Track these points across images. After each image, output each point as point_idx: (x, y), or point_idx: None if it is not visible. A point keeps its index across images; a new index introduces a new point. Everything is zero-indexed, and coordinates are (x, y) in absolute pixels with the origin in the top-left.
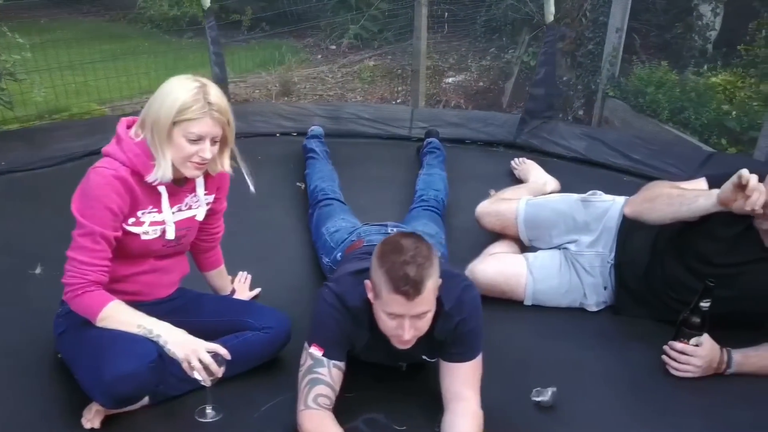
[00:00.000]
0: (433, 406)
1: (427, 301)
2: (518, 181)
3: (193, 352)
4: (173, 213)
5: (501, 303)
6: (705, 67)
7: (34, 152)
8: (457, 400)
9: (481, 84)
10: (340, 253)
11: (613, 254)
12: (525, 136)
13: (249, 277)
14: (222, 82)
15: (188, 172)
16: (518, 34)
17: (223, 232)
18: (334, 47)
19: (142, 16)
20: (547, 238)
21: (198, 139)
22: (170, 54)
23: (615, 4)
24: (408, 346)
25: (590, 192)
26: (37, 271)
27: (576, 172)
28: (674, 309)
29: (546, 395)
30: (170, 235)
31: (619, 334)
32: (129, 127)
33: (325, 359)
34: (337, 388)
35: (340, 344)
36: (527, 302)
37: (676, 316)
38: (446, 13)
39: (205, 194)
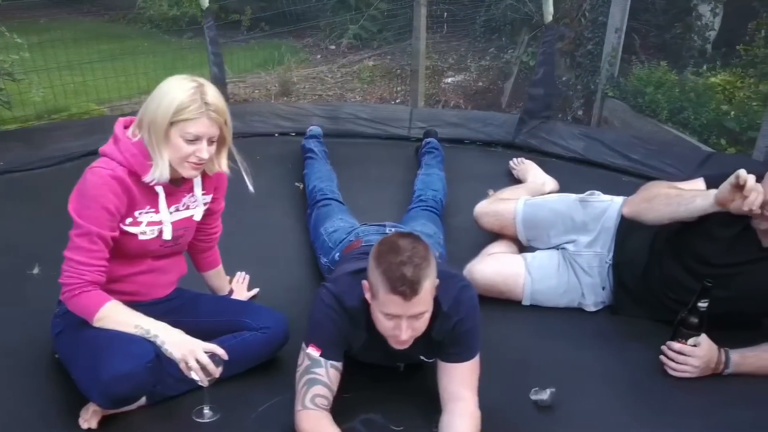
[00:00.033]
0: (431, 406)
1: (424, 302)
2: (517, 181)
3: (191, 352)
4: (171, 213)
5: (499, 303)
6: (704, 67)
7: (33, 152)
8: (455, 401)
9: (480, 84)
10: (338, 254)
11: (611, 254)
12: (523, 136)
13: (247, 277)
14: (220, 82)
15: (185, 172)
16: (517, 34)
17: (221, 232)
18: (333, 47)
19: (142, 16)
20: (546, 238)
21: (195, 139)
22: (169, 54)
23: (614, 4)
24: (405, 347)
25: (588, 192)
26: (35, 271)
27: (574, 172)
28: (672, 309)
29: (544, 394)
30: (167, 235)
31: (618, 334)
32: (126, 127)
33: (322, 359)
34: (335, 388)
35: (337, 345)
36: (525, 302)
37: (674, 316)
38: (445, 13)
39: (203, 194)
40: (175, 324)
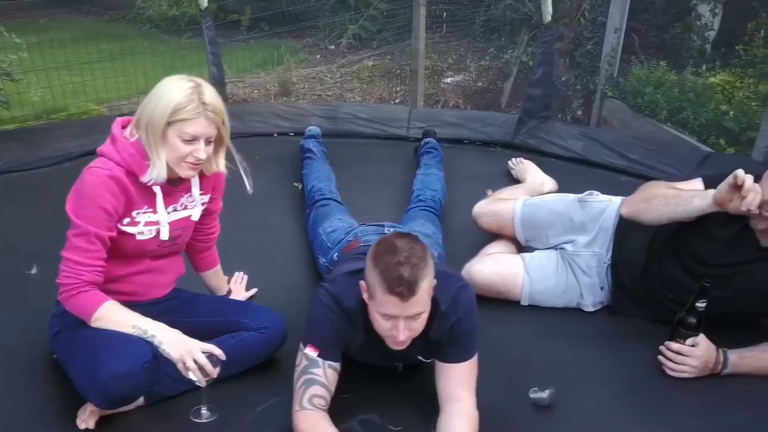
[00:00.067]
0: (429, 406)
1: (421, 302)
2: (515, 181)
3: (188, 352)
4: (168, 213)
5: (498, 303)
6: (703, 67)
7: (31, 152)
8: (453, 401)
9: (479, 84)
10: (336, 254)
11: (609, 254)
12: (522, 136)
13: (245, 277)
14: (219, 82)
15: (183, 172)
16: (517, 34)
17: (219, 232)
18: (332, 47)
19: (141, 16)
20: (544, 238)
21: (192, 140)
22: (168, 54)
23: (613, 4)
24: (403, 347)
25: (587, 192)
26: (33, 271)
27: (573, 172)
28: (670, 309)
29: (543, 394)
30: (165, 235)
31: (616, 334)
32: (124, 127)
33: (320, 360)
34: (333, 388)
35: (335, 345)
36: (524, 302)
37: (673, 316)
38: (445, 13)
39: (201, 194)
40: (172, 324)
